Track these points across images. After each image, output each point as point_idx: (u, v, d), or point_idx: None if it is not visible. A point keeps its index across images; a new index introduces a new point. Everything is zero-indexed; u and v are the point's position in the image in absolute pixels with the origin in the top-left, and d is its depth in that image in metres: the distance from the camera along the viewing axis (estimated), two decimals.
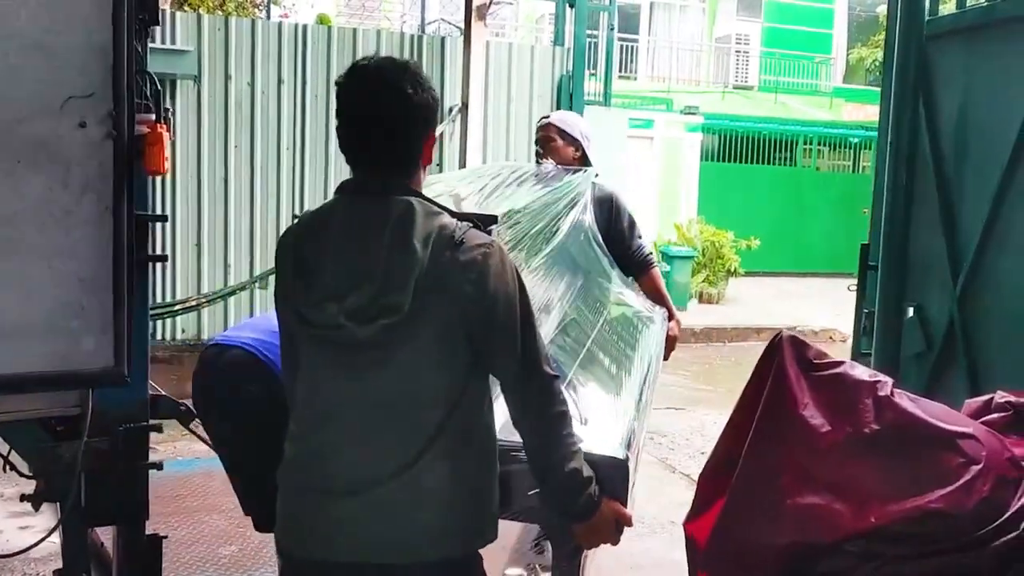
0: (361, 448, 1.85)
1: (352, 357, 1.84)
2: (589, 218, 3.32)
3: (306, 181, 6.84)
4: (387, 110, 1.86)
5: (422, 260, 1.77)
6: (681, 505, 4.81)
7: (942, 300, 3.66)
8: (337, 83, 1.94)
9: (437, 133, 6.92)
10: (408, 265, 1.77)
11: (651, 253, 3.91)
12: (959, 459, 1.66)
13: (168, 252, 6.67)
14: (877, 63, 20.55)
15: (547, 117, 3.89)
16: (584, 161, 3.74)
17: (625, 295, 3.41)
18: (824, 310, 12.48)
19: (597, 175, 3.64)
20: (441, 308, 1.79)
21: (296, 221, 2.04)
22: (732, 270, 13.77)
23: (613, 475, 2.15)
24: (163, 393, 2.83)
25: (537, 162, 3.67)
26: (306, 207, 6.77)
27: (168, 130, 2.60)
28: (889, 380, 1.76)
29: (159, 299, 6.53)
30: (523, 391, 1.91)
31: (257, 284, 6.21)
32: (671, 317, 3.74)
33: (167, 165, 2.58)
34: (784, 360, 1.75)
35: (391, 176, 1.88)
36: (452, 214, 1.89)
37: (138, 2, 2.54)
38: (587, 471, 1.96)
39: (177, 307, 5.98)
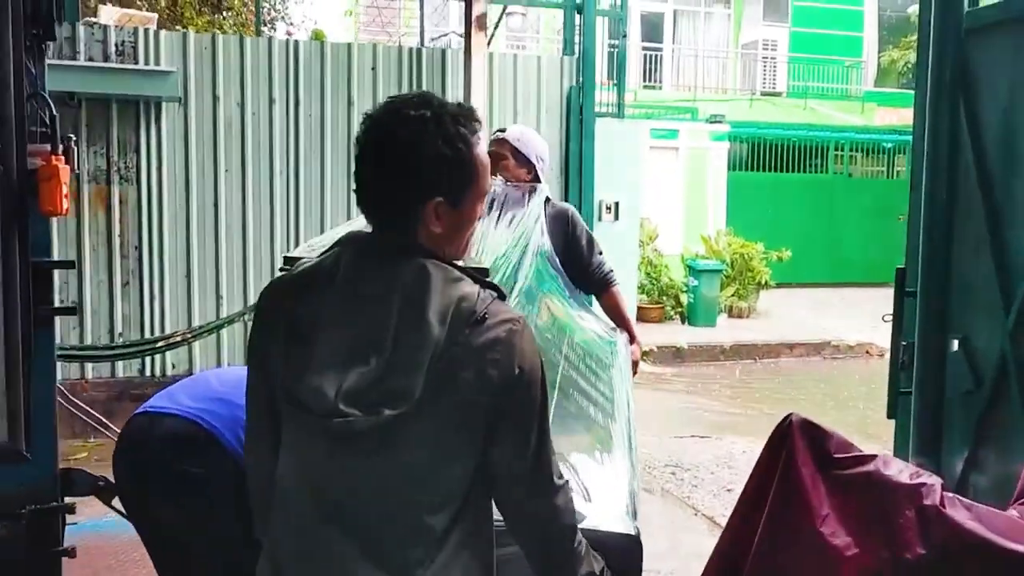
0: (361, 553, 1.51)
1: (348, 445, 1.50)
2: (546, 241, 3.12)
3: (301, 206, 6.47)
4: (398, 151, 1.54)
5: (438, 339, 1.46)
6: (702, 557, 4.34)
7: (991, 331, 3.19)
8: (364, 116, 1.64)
9: None
10: (420, 344, 1.45)
11: (611, 271, 3.70)
12: None
13: (156, 284, 6.35)
14: (910, 65, 19.97)
15: (503, 131, 3.60)
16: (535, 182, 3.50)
17: (585, 318, 3.23)
18: (860, 322, 11.96)
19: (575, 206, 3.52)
20: (457, 395, 1.48)
21: (288, 273, 1.68)
22: (763, 283, 13.30)
23: (625, 553, 1.93)
24: (77, 467, 2.46)
25: None
26: (301, 233, 6.41)
27: (68, 162, 2.23)
28: (937, 482, 1.31)
29: (147, 334, 6.20)
30: (527, 500, 1.59)
31: (248, 316, 5.86)
32: (632, 339, 3.56)
33: (66, 204, 2.20)
34: (796, 454, 1.32)
35: (401, 231, 1.56)
36: (475, 279, 1.55)
37: (30, 15, 2.18)
38: (598, 564, 1.67)
39: (160, 344, 5.63)
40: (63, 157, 2.19)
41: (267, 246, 6.42)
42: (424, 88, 6.69)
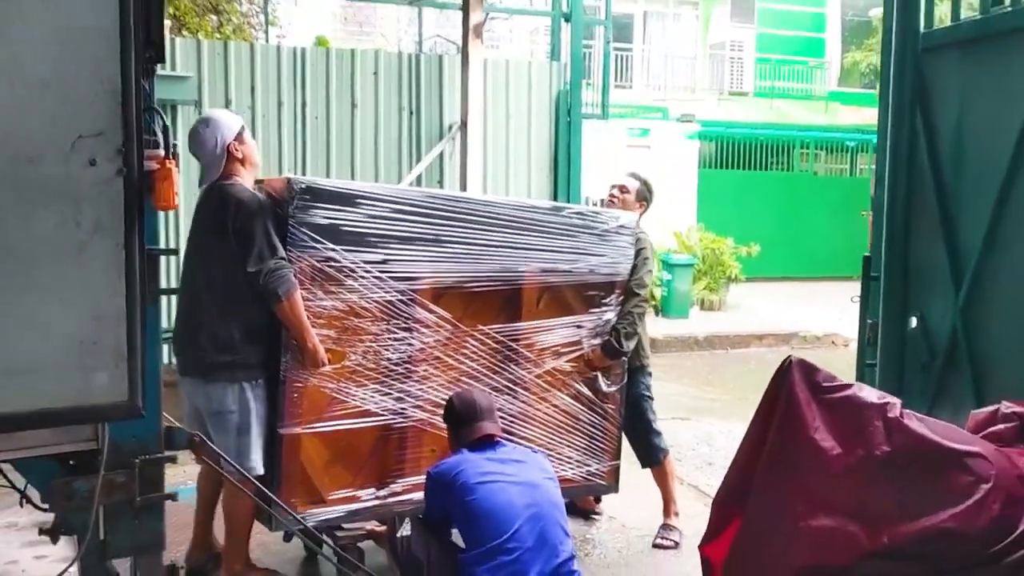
0: None
1: None
2: None
3: None
4: None
5: None
6: (691, 518, 4.80)
7: (945, 310, 3.70)
8: None
9: (436, 152, 6.81)
10: None
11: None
12: (969, 478, 1.69)
13: (174, 281, 6.70)
14: (871, 67, 20.64)
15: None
16: None
17: None
18: (825, 314, 12.51)
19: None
20: None
21: None
22: (733, 276, 13.82)
23: None
24: (176, 424, 2.86)
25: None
26: None
27: (177, 165, 2.63)
28: (897, 401, 1.79)
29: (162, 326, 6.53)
30: None
31: None
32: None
33: (177, 200, 2.61)
34: (794, 384, 1.78)
35: None
36: None
37: (145, 40, 2.58)
38: None
39: None
40: (174, 160, 2.59)
41: None
42: (422, 91, 7.11)
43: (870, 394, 1.81)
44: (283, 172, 6.80)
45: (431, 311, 3.81)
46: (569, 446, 4.24)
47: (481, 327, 3.93)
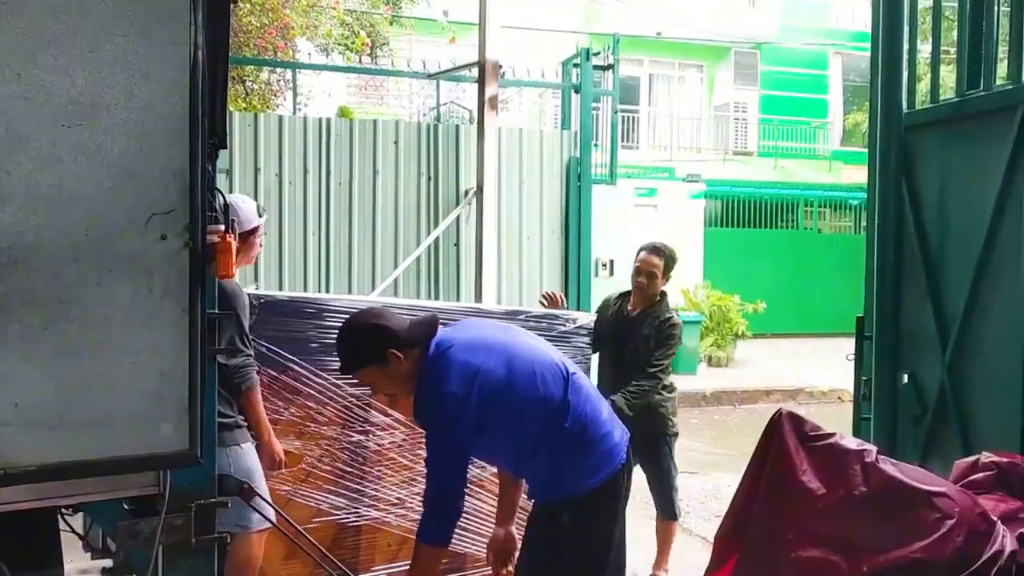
0: None
1: None
2: None
3: (331, 263, 7.21)
4: None
5: None
6: (698, 568, 5.03)
7: (933, 367, 3.95)
8: None
9: (453, 216, 7.09)
10: None
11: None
12: (935, 515, 1.96)
13: None
14: None
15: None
16: None
17: None
18: (831, 370, 12.69)
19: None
20: None
21: None
22: (739, 333, 14.06)
23: None
24: (228, 473, 3.14)
25: None
26: (331, 287, 7.13)
27: (235, 238, 2.95)
28: (874, 448, 2.07)
29: None
30: None
31: None
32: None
33: (234, 269, 2.92)
34: (784, 433, 2.06)
35: None
36: None
37: (209, 128, 2.92)
38: None
39: None
40: (232, 234, 2.92)
41: None
42: (440, 158, 7.47)
43: (850, 442, 2.08)
44: (308, 235, 7.17)
45: (387, 415, 3.99)
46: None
47: None
